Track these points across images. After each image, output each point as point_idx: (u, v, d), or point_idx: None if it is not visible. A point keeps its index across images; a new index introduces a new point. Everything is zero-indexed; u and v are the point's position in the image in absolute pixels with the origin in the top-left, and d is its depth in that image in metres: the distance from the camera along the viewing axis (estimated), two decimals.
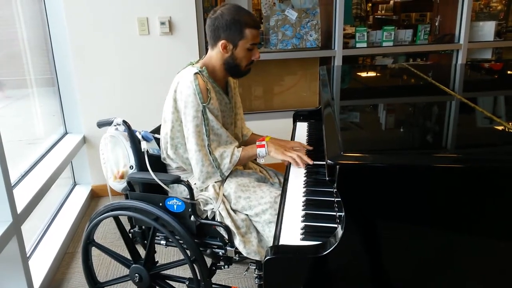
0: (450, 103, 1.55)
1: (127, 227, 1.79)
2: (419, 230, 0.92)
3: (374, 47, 3.52)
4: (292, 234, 1.16)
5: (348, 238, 0.91)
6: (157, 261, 1.83)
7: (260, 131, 2.07)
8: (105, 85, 3.01)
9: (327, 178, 0.97)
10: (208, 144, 1.62)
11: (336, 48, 3.35)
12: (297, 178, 1.55)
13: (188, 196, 1.60)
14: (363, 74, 2.51)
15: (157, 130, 1.93)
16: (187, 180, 1.60)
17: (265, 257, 0.99)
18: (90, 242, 1.78)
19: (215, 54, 1.69)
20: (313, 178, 1.51)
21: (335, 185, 0.91)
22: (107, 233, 2.64)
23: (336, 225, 1.18)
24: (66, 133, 3.08)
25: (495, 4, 4.28)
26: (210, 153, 1.62)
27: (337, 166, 0.89)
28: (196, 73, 1.62)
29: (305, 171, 1.59)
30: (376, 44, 3.53)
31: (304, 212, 1.26)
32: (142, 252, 1.75)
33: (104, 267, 2.31)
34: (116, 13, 2.89)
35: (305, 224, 1.18)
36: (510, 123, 1.17)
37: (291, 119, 2.34)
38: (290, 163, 1.68)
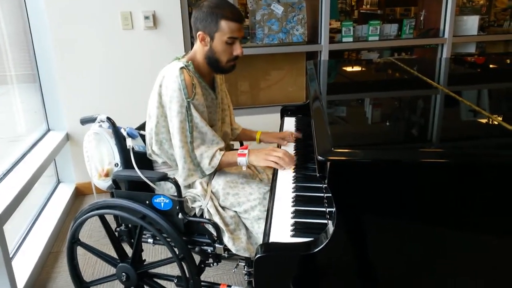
0: (437, 96, 1.55)
1: (113, 225, 1.75)
2: (410, 225, 0.92)
3: (360, 42, 3.52)
4: (282, 231, 1.15)
5: (340, 234, 0.90)
6: (145, 260, 1.80)
7: (247, 126, 2.05)
8: (88, 81, 2.94)
9: (318, 174, 0.96)
10: (190, 141, 1.59)
11: (323, 43, 3.35)
12: (286, 173, 1.54)
13: (176, 194, 1.57)
14: (351, 69, 2.51)
15: (142, 127, 1.89)
16: (174, 177, 1.57)
17: (256, 255, 0.97)
18: (75, 241, 1.74)
19: (198, 48, 1.66)
20: (302, 173, 1.50)
21: (325, 181, 0.90)
22: (93, 232, 2.59)
23: (326, 221, 1.17)
24: (48, 130, 3.01)
25: None
26: (191, 150, 1.59)
27: (328, 162, 0.88)
28: (181, 68, 1.59)
29: (294, 167, 1.58)
30: (362, 39, 3.54)
31: (294, 208, 1.25)
32: (128, 250, 1.72)
33: (90, 266, 2.27)
34: (98, 7, 2.83)
35: (295, 221, 1.17)
36: (496, 116, 1.18)
37: (279, 114, 2.33)
38: None
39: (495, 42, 3.95)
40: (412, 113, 1.38)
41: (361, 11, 5.39)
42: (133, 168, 1.62)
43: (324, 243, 0.91)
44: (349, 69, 2.52)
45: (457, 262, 0.93)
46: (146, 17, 2.90)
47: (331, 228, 0.93)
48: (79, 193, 3.12)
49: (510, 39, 3.97)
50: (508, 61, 2.66)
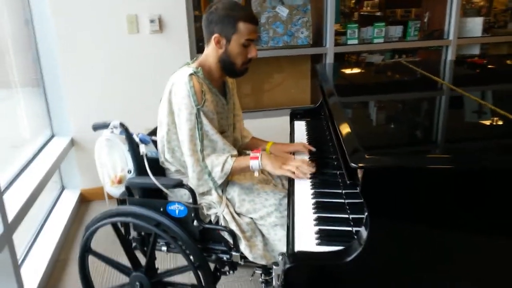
0: (458, 99, 1.53)
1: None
2: (451, 231, 0.89)
3: (365, 44, 3.51)
4: (306, 239, 1.13)
5: (374, 241, 0.88)
6: (157, 268, 1.77)
7: (251, 130, 2.01)
8: (93, 86, 2.92)
9: (348, 182, 0.93)
10: (201, 150, 1.56)
11: (328, 45, 3.33)
12: (303, 179, 1.51)
13: (190, 200, 1.55)
14: (364, 72, 2.49)
15: (154, 132, 1.87)
16: (188, 184, 1.54)
17: (285, 265, 0.95)
18: (87, 250, 1.71)
19: (210, 52, 1.64)
20: (319, 179, 1.48)
21: (359, 188, 0.88)
22: (99, 240, 2.55)
23: (350, 228, 1.15)
24: (53, 135, 2.98)
25: (478, 0, 4.32)
26: (202, 160, 1.56)
27: (362, 170, 0.85)
28: (191, 74, 1.56)
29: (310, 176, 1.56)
30: (367, 41, 3.52)
31: (316, 215, 1.23)
32: (141, 258, 1.70)
33: (98, 274, 2.24)
34: (104, 11, 2.80)
35: (319, 229, 1.15)
36: None
37: (283, 118, 2.29)
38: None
39: (498, 44, 3.95)
40: (435, 116, 1.36)
41: (361, 13, 5.39)
42: (147, 174, 1.60)
43: (358, 251, 0.88)
44: (361, 72, 2.50)
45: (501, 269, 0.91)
46: (152, 21, 2.87)
47: (363, 235, 0.90)
48: (84, 200, 3.09)
49: None
50: None
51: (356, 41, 3.45)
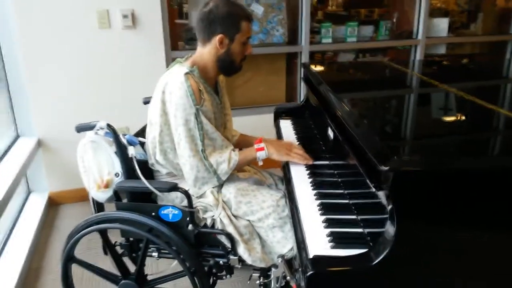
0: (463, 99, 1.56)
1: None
2: (480, 234, 0.90)
3: (339, 43, 3.54)
4: (318, 243, 1.11)
5: (401, 242, 0.87)
6: (147, 274, 1.70)
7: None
8: (60, 83, 2.75)
9: (372, 184, 0.92)
10: (202, 150, 1.51)
11: (303, 44, 3.33)
12: (301, 179, 1.50)
13: (183, 204, 1.49)
14: (353, 72, 2.50)
15: (140, 133, 1.79)
16: (184, 188, 1.48)
17: (306, 272, 0.92)
18: (70, 259, 1.61)
19: (207, 51, 1.58)
20: (319, 179, 1.46)
21: (385, 190, 0.87)
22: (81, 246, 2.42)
23: (360, 230, 1.14)
24: (18, 136, 2.79)
25: (441, 2, 4.48)
26: (205, 159, 1.52)
27: (392, 172, 0.84)
28: (187, 73, 1.51)
29: (307, 172, 1.54)
30: (340, 40, 3.56)
31: (324, 217, 1.21)
32: (129, 264, 1.62)
33: (77, 282, 2.11)
34: (72, 4, 2.65)
35: (330, 231, 1.13)
36: None
37: (260, 116, 2.26)
38: (285, 164, 1.63)
39: (462, 44, 4.11)
40: (453, 116, 1.36)
41: (326, 12, 5.45)
42: (136, 177, 1.53)
43: (385, 253, 0.87)
44: (349, 71, 2.50)
45: None
46: (125, 16, 2.75)
47: (389, 236, 0.89)
48: (53, 203, 2.92)
49: (483, 41, 4.15)
50: None
51: (330, 40, 3.48)
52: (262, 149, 1.58)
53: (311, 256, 1.03)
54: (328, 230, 1.14)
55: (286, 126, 2.13)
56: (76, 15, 2.68)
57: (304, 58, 3.36)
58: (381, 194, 0.92)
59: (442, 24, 3.79)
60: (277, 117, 2.26)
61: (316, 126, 1.97)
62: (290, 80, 3.64)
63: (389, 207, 0.88)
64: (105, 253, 1.65)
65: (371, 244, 1.07)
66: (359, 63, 3.58)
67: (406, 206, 0.86)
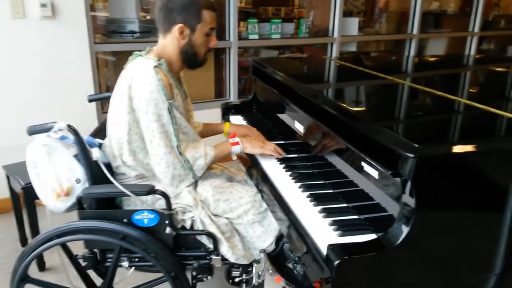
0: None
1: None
2: (500, 217, 1.00)
3: (264, 39, 3.62)
4: (323, 233, 1.14)
5: (420, 226, 0.93)
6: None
7: None
8: None
9: (389, 172, 0.98)
10: (177, 145, 1.45)
11: (232, 39, 3.34)
12: (277, 173, 1.51)
13: (155, 207, 1.41)
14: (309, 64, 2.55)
15: (95, 134, 1.64)
16: (161, 189, 1.40)
17: (333, 261, 0.94)
18: (24, 279, 1.42)
19: (169, 42, 1.51)
20: (298, 172, 1.49)
21: (406, 177, 0.93)
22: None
23: (355, 216, 1.20)
24: None
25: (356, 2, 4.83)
26: (180, 155, 1.45)
27: (416, 160, 0.90)
28: (155, 67, 1.42)
29: (282, 166, 1.56)
30: (265, 36, 3.64)
31: (320, 207, 1.24)
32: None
33: None
34: None
35: (333, 220, 1.17)
36: None
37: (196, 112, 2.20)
38: (253, 158, 1.64)
39: (369, 41, 4.49)
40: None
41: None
42: (101, 182, 1.40)
43: (404, 235, 0.93)
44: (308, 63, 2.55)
45: None
46: (43, 5, 2.46)
47: (402, 224, 0.95)
48: None
49: (395, 39, 4.55)
50: None
51: (256, 36, 3.53)
52: (237, 143, 1.57)
53: (321, 246, 1.06)
54: (330, 219, 1.18)
55: (239, 122, 2.12)
56: None
57: (233, 54, 3.37)
58: (394, 180, 0.98)
59: (353, 23, 4.09)
60: (225, 113, 2.25)
61: (271, 120, 2.01)
62: (219, 76, 3.62)
63: (407, 191, 0.94)
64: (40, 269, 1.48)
65: (372, 229, 1.13)
66: (306, 58, 3.69)
67: (426, 190, 0.93)
